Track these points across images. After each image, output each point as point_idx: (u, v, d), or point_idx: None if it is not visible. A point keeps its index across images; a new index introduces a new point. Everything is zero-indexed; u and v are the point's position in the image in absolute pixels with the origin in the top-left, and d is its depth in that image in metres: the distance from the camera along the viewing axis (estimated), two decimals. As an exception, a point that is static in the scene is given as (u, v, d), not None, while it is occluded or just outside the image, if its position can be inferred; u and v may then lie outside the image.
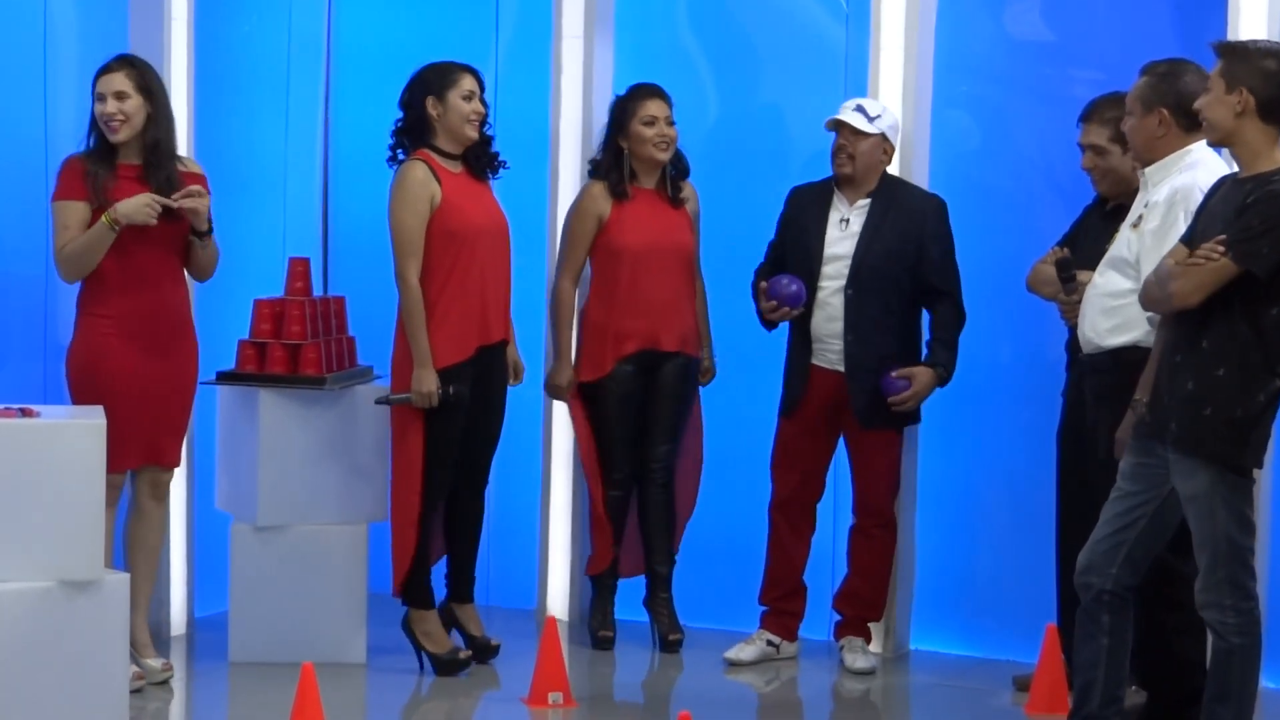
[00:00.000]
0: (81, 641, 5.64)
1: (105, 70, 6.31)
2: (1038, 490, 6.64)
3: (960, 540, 7.32)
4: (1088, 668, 5.46)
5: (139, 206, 6.23)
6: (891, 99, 7.04)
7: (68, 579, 5.62)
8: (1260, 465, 5.27)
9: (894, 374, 6.73)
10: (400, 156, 6.69)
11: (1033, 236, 6.73)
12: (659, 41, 7.72)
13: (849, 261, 6.78)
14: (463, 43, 7.64)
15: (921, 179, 7.10)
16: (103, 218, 6.20)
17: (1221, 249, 5.07)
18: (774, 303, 6.78)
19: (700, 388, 7.23)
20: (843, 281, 6.78)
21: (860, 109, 6.78)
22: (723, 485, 7.34)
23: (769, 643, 7.01)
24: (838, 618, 7.04)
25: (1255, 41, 5.28)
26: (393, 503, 6.68)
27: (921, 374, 6.76)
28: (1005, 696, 6.63)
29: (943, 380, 6.80)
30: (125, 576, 5.85)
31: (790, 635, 7.05)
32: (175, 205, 6.24)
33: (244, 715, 6.44)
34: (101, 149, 6.30)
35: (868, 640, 7.01)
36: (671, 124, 7.03)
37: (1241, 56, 5.18)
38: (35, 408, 5.84)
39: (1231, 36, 6.41)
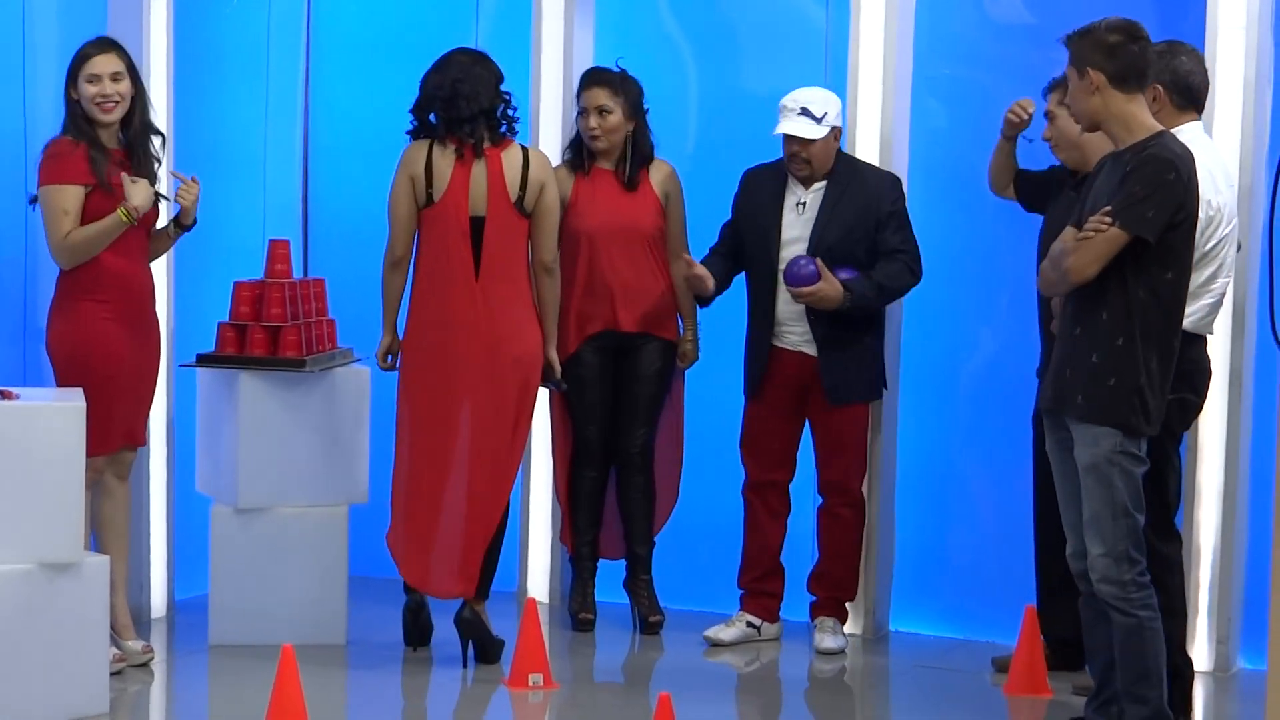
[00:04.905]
0: (61, 624, 5.65)
1: (96, 52, 6.25)
2: (1017, 471, 6.65)
3: (940, 521, 7.34)
4: (1105, 648, 5.46)
5: (148, 198, 6.22)
6: (871, 82, 7.04)
7: (47, 561, 5.63)
8: (1156, 433, 5.34)
9: (805, 261, 6.65)
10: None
11: (1012, 219, 6.74)
12: (640, 24, 7.71)
13: (806, 244, 6.79)
14: (443, 25, 7.65)
15: (901, 162, 7.10)
16: (119, 213, 6.13)
17: (1109, 219, 5.16)
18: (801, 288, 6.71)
19: (684, 371, 7.23)
20: None
21: (806, 112, 6.72)
22: (703, 467, 7.35)
23: (749, 624, 7.03)
24: (812, 599, 7.05)
25: (1100, 21, 5.36)
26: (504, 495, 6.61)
27: (829, 285, 6.66)
28: (984, 677, 6.65)
29: (844, 305, 6.67)
30: (105, 559, 5.86)
31: (770, 616, 7.06)
32: (185, 201, 6.38)
33: (224, 697, 6.44)
34: (88, 133, 6.22)
35: (843, 620, 7.02)
36: (606, 114, 7.01)
37: (1082, 39, 5.31)
38: (14, 390, 5.84)
39: (1210, 19, 6.47)
